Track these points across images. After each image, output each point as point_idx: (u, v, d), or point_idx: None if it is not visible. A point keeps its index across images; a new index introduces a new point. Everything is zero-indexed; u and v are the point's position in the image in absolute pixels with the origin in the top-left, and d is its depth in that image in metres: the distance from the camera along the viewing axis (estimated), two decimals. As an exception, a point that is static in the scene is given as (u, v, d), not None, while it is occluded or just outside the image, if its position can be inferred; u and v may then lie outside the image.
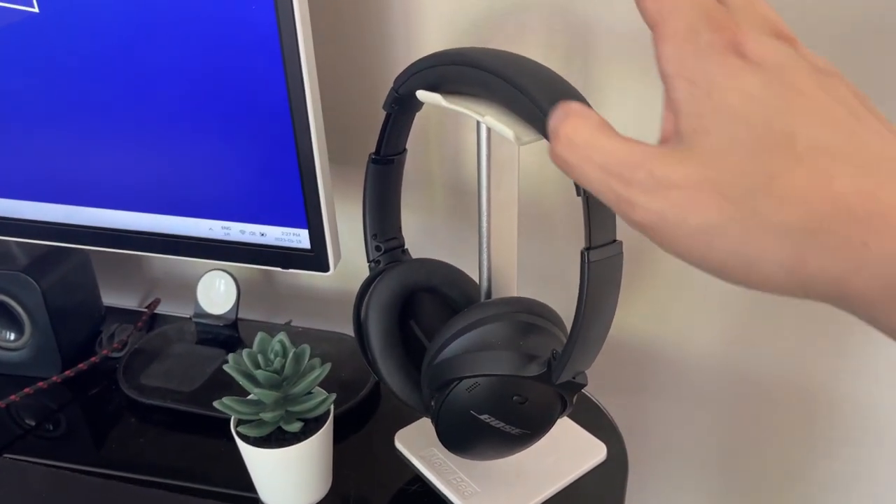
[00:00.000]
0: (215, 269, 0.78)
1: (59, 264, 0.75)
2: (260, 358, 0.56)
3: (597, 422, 0.67)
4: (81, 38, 0.59)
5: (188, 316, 0.82)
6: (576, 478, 0.61)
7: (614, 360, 0.81)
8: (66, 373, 0.73)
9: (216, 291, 0.78)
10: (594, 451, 0.63)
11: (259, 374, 0.55)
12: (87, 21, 0.58)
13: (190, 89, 0.59)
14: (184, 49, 0.57)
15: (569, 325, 0.52)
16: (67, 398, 0.73)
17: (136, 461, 0.65)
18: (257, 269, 0.88)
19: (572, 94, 0.46)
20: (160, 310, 0.86)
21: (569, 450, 0.63)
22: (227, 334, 0.78)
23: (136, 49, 0.58)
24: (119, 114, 0.62)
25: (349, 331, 0.77)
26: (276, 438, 0.56)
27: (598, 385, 0.82)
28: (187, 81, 0.59)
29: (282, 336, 0.57)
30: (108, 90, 0.61)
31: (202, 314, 0.79)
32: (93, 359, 0.75)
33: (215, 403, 0.56)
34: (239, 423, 0.57)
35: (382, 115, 0.61)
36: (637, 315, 0.78)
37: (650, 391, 0.82)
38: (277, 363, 0.55)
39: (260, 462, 0.57)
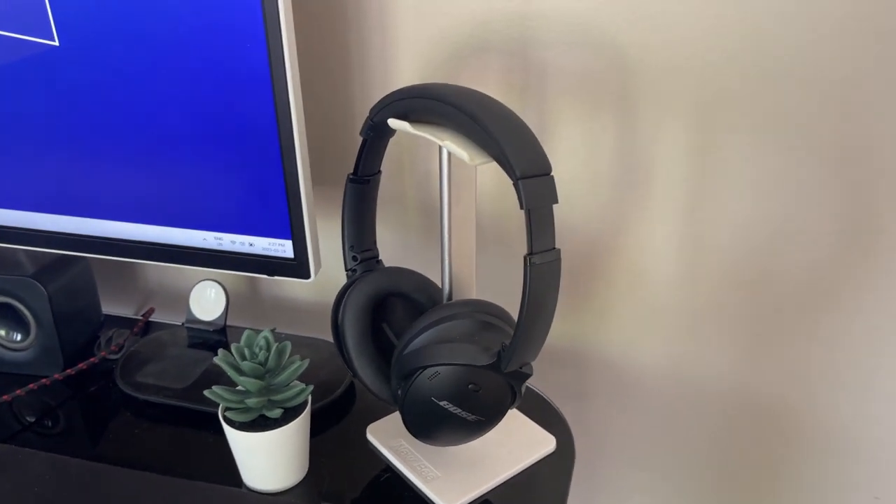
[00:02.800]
0: (207, 280, 0.85)
1: (64, 272, 0.82)
2: (246, 351, 0.63)
3: (548, 418, 0.74)
4: (95, 70, 0.67)
5: (180, 323, 0.89)
6: (527, 465, 0.68)
7: (563, 366, 0.88)
8: (68, 371, 0.80)
9: (207, 299, 0.85)
10: (544, 443, 0.70)
11: (245, 364, 0.62)
12: (102, 55, 0.66)
13: (190, 115, 0.67)
14: (185, 79, 0.65)
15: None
16: (68, 395, 0.79)
17: (131, 451, 0.71)
18: (244, 280, 0.95)
19: (517, 124, 0.54)
20: (153, 318, 0.93)
21: (521, 441, 0.70)
22: (216, 339, 0.85)
23: (144, 80, 0.66)
24: (126, 137, 0.69)
25: (327, 337, 0.85)
26: (259, 424, 0.63)
27: (548, 389, 0.89)
28: (188, 109, 0.67)
29: (266, 333, 0.64)
30: (117, 116, 0.69)
31: (194, 320, 0.86)
32: (92, 359, 0.81)
33: (206, 392, 0.62)
34: (226, 409, 0.64)
35: (355, 141, 0.68)
36: (585, 324, 0.85)
37: (598, 396, 0.90)
38: (262, 356, 0.62)
39: (244, 445, 0.63)
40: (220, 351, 0.64)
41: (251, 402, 0.61)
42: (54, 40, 0.66)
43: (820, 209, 0.72)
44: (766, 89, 0.69)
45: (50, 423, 0.75)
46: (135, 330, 0.88)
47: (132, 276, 1.01)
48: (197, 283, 0.85)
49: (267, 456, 0.64)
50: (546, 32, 0.72)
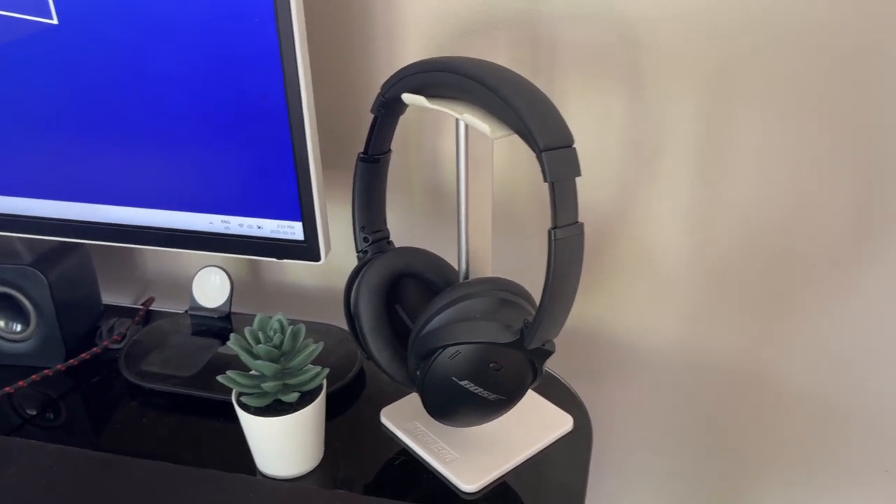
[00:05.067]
0: (210, 266, 0.84)
1: (64, 260, 0.80)
2: (261, 335, 0.61)
3: (564, 399, 0.73)
4: (95, 48, 0.65)
5: (180, 311, 0.87)
6: (545, 445, 0.68)
7: (576, 347, 0.88)
8: (70, 362, 0.78)
9: (211, 286, 0.83)
10: (562, 422, 0.70)
11: (260, 348, 0.60)
12: (102, 32, 0.64)
13: (196, 95, 0.65)
14: (191, 58, 0.63)
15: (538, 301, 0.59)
16: (71, 386, 0.77)
17: (139, 441, 0.70)
18: (246, 266, 0.94)
19: (539, 96, 0.53)
20: (153, 307, 0.91)
21: (539, 421, 0.69)
22: (220, 326, 0.84)
23: (146, 58, 0.64)
24: (128, 117, 0.67)
25: (332, 322, 0.83)
26: (274, 409, 0.62)
27: (557, 370, 0.89)
28: (194, 88, 0.65)
29: (280, 316, 0.63)
30: (118, 96, 0.67)
31: (197, 307, 0.84)
32: (95, 349, 0.80)
33: (219, 378, 0.61)
34: (240, 395, 0.62)
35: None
36: (597, 304, 0.85)
37: (606, 376, 0.89)
38: (276, 339, 0.61)
39: (260, 430, 0.62)
40: (233, 335, 0.62)
41: (267, 386, 0.60)
42: (53, 19, 0.64)
43: (833, 183, 0.72)
44: (778, 60, 0.68)
45: (55, 415, 0.74)
46: (136, 319, 0.86)
47: (130, 265, 0.99)
48: (200, 270, 0.84)
49: (284, 441, 0.62)
50: (553, 6, 0.71)
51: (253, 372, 0.62)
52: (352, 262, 0.68)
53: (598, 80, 0.73)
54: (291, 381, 0.62)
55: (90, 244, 0.80)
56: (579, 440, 0.69)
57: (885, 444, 0.83)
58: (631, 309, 0.84)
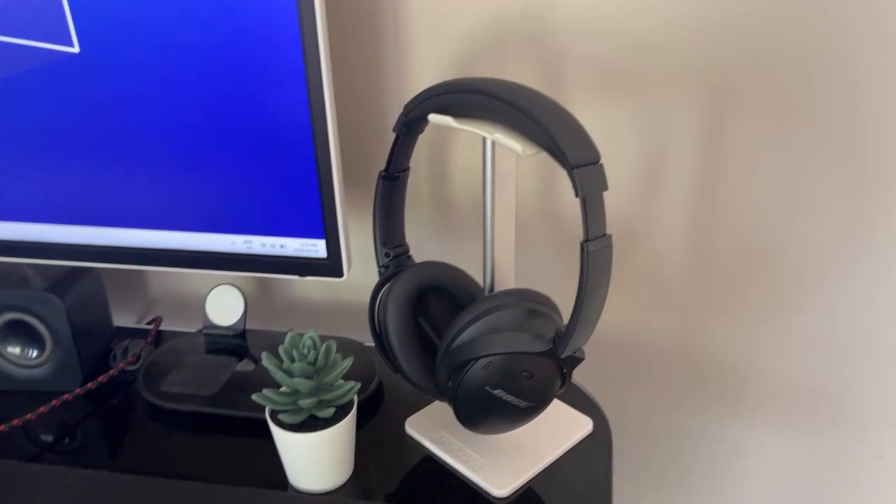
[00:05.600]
0: (224, 284, 0.84)
1: (77, 284, 0.80)
2: (294, 352, 0.63)
3: (579, 402, 0.76)
4: (117, 74, 0.65)
5: (189, 330, 0.88)
6: (569, 448, 0.70)
7: (589, 352, 0.91)
8: (89, 385, 0.78)
9: (225, 304, 0.84)
10: (581, 425, 0.72)
11: (295, 366, 0.62)
12: (124, 58, 0.65)
13: (220, 118, 0.66)
14: (216, 82, 0.64)
15: (563, 312, 0.61)
16: (91, 409, 0.77)
17: (166, 461, 0.70)
18: (255, 283, 0.94)
19: (565, 114, 0.56)
20: (162, 327, 0.92)
21: (560, 425, 0.72)
22: (235, 343, 0.84)
23: (170, 82, 0.65)
24: (151, 141, 0.68)
25: (342, 335, 0.85)
26: (309, 425, 0.63)
27: (578, 375, 0.91)
28: (218, 112, 0.66)
29: (312, 333, 0.64)
30: (141, 120, 0.67)
31: (211, 326, 0.85)
32: (111, 371, 0.80)
33: (254, 396, 0.62)
34: (274, 412, 0.63)
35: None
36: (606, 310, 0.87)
37: (610, 376, 0.92)
38: (311, 356, 0.62)
39: (296, 447, 0.63)
40: (265, 353, 0.63)
41: (304, 402, 0.61)
42: (74, 47, 0.65)
43: (825, 192, 0.76)
44: (776, 75, 0.72)
45: (79, 440, 0.74)
46: (148, 339, 0.86)
47: (135, 285, 0.98)
48: (214, 288, 0.84)
49: (320, 456, 0.64)
50: (561, 23, 0.73)
51: (284, 389, 0.63)
52: (362, 276, 0.70)
53: (603, 94, 0.76)
54: (326, 397, 0.63)
55: (103, 267, 0.80)
56: (599, 441, 0.71)
57: (878, 431, 0.88)
58: (634, 312, 0.87)
